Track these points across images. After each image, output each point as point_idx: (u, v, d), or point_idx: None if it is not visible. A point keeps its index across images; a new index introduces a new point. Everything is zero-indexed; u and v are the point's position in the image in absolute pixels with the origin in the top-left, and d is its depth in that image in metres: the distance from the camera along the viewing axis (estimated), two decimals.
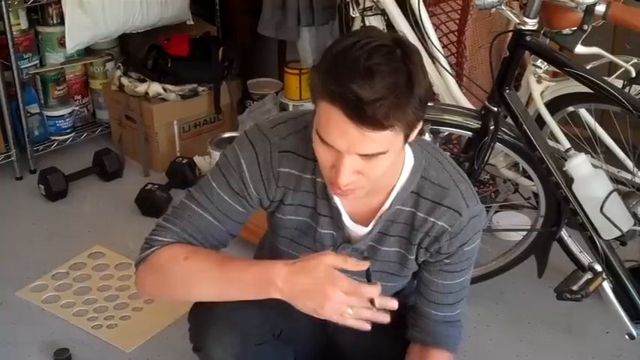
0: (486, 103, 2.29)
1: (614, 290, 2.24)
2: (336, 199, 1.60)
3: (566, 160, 2.23)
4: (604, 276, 2.21)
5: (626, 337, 2.29)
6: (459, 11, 2.80)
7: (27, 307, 2.63)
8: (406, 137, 1.43)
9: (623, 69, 2.23)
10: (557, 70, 2.32)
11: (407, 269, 1.69)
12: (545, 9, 2.20)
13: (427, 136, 2.27)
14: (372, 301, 1.43)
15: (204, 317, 1.68)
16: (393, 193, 1.59)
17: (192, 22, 3.64)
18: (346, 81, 1.33)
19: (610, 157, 2.46)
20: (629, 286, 2.27)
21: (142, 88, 3.36)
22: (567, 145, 2.30)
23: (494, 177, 2.74)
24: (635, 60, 2.30)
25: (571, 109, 2.47)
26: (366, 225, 1.63)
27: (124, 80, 3.40)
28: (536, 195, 2.55)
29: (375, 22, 2.69)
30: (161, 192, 3.13)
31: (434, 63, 2.60)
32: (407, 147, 1.56)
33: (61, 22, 3.32)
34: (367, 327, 1.44)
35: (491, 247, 2.61)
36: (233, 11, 3.84)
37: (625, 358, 2.43)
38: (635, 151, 2.43)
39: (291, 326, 1.75)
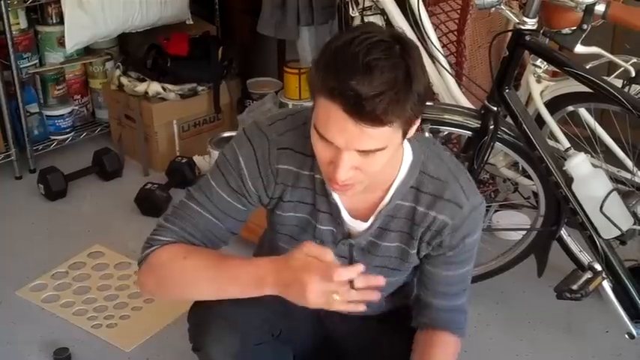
0: (486, 102, 2.29)
1: (613, 289, 2.24)
2: (335, 196, 1.60)
3: (565, 160, 2.23)
4: (604, 275, 2.21)
5: (626, 336, 2.29)
6: (458, 11, 2.80)
7: (27, 307, 2.63)
8: (404, 133, 1.44)
9: (622, 68, 2.23)
10: (557, 70, 2.32)
11: (408, 263, 1.69)
12: (544, 8, 2.20)
13: (427, 135, 2.27)
14: (352, 284, 1.42)
15: (203, 317, 1.68)
16: (392, 188, 1.59)
17: (192, 22, 3.64)
18: (345, 77, 1.34)
19: (610, 157, 2.46)
20: (628, 285, 2.27)
21: (141, 87, 3.36)
22: (567, 144, 2.30)
23: (494, 176, 2.74)
24: (634, 59, 2.30)
25: (571, 108, 2.47)
26: (366, 221, 1.63)
27: (124, 80, 3.40)
28: (535, 194, 2.55)
29: (375, 21, 2.69)
30: (161, 191, 3.13)
31: (433, 62, 2.59)
32: (405, 142, 1.56)
33: (61, 22, 3.32)
34: (361, 308, 1.44)
35: (491, 246, 2.61)
36: (232, 10, 3.84)
37: (625, 357, 2.43)
38: (634, 150, 2.43)
39: (291, 326, 1.76)
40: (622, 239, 2.26)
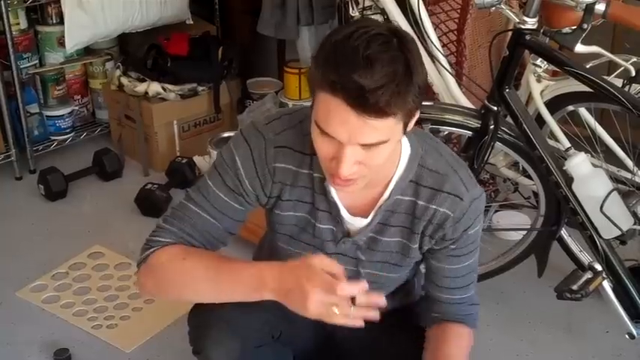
0: (486, 102, 2.29)
1: (614, 289, 2.24)
2: (334, 194, 1.60)
3: (566, 160, 2.23)
4: (604, 275, 2.20)
5: (626, 336, 2.28)
6: (458, 10, 2.79)
7: (27, 307, 2.63)
8: (405, 126, 1.44)
9: (622, 68, 2.23)
10: (557, 69, 2.32)
11: (409, 259, 1.69)
12: (544, 8, 2.19)
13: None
14: (354, 300, 1.42)
15: (203, 320, 1.68)
16: (391, 183, 1.59)
17: (192, 22, 3.64)
18: (347, 71, 1.34)
19: (610, 156, 2.46)
20: (629, 285, 2.27)
21: (141, 87, 3.35)
22: (567, 144, 2.30)
23: (494, 176, 2.74)
24: (634, 59, 2.29)
25: (571, 108, 2.47)
26: (366, 217, 1.63)
27: (124, 80, 3.40)
28: (536, 194, 2.55)
29: None
30: (161, 192, 3.13)
31: (433, 62, 2.59)
32: (403, 137, 1.56)
33: (61, 22, 3.31)
34: (360, 323, 1.44)
35: (491, 246, 2.61)
36: (232, 10, 3.83)
37: (625, 357, 2.43)
38: (634, 150, 2.43)
39: (291, 328, 1.75)
40: (622, 239, 2.26)
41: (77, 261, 2.84)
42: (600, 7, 2.11)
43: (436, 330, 1.75)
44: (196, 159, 3.36)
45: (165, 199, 3.13)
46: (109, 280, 2.75)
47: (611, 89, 2.07)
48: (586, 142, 2.45)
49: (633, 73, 2.21)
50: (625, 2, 2.37)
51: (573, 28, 2.12)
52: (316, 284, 1.42)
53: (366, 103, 1.34)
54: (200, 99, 3.47)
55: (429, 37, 2.56)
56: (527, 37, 2.17)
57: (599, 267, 2.21)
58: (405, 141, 1.58)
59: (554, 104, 2.44)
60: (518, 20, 2.17)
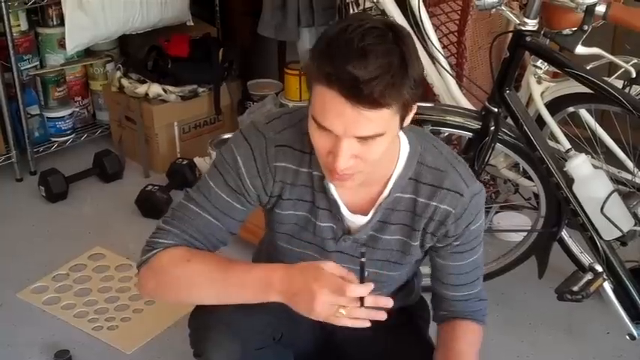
0: (486, 103, 2.29)
1: (614, 291, 2.24)
2: (333, 191, 1.60)
3: (566, 161, 2.23)
4: (605, 276, 2.20)
5: (627, 337, 2.28)
6: (459, 12, 2.80)
7: (27, 309, 2.63)
8: (402, 119, 1.44)
9: (623, 69, 2.23)
10: (558, 71, 2.32)
11: (409, 256, 1.69)
12: (545, 9, 2.19)
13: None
14: (363, 301, 1.42)
15: (204, 322, 1.68)
16: (390, 181, 1.59)
17: (192, 23, 3.65)
18: (341, 62, 1.34)
19: (610, 158, 2.46)
20: (629, 286, 2.27)
21: (142, 89, 3.36)
22: (567, 145, 2.30)
23: (495, 177, 2.74)
24: (635, 60, 2.30)
25: (571, 109, 2.47)
26: (366, 215, 1.63)
27: (124, 81, 3.40)
28: (536, 195, 2.55)
29: None
30: (161, 193, 3.13)
31: (434, 63, 2.60)
32: (402, 135, 1.57)
33: (61, 24, 3.32)
34: (366, 324, 1.44)
35: (492, 247, 2.61)
36: (233, 12, 3.84)
37: (626, 358, 2.43)
38: (635, 151, 2.43)
39: (292, 329, 1.75)
40: (623, 240, 2.26)
41: (78, 262, 2.84)
42: (600, 9, 2.11)
43: (446, 327, 1.76)
44: (197, 160, 3.36)
45: (165, 200, 3.13)
46: (110, 282, 2.75)
47: (612, 90, 2.07)
48: (586, 143, 2.45)
49: (634, 75, 2.21)
50: (625, 4, 2.37)
51: (574, 29, 2.12)
52: (324, 285, 1.42)
53: (360, 94, 1.34)
54: (200, 100, 3.47)
55: (429, 38, 2.56)
56: (528, 39, 2.17)
57: (599, 268, 2.21)
58: (403, 139, 1.59)
59: (554, 105, 2.44)
60: (518, 22, 2.17)
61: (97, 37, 3.38)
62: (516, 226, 2.85)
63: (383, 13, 2.66)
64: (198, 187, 1.64)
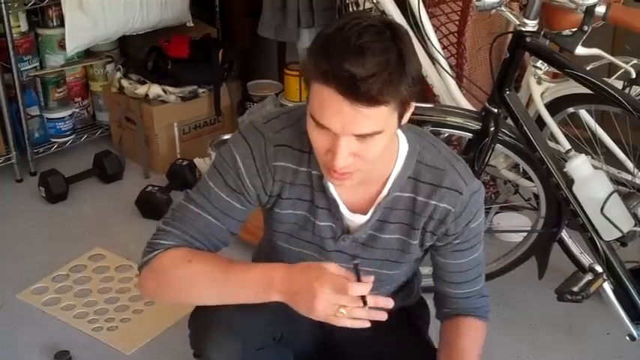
0: (486, 104, 2.29)
1: (614, 291, 2.24)
2: (332, 190, 1.60)
3: (566, 161, 2.23)
4: (605, 277, 2.20)
5: (627, 338, 2.28)
6: (458, 12, 2.80)
7: (27, 310, 2.63)
8: (400, 117, 1.44)
9: (623, 70, 2.23)
10: (558, 72, 2.32)
11: (409, 255, 1.69)
12: (545, 10, 2.20)
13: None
14: (365, 300, 1.42)
15: (204, 323, 1.68)
16: (389, 180, 1.59)
17: (192, 24, 3.64)
18: (338, 60, 1.34)
19: (610, 158, 2.46)
20: (629, 287, 2.27)
21: (142, 89, 3.36)
22: (567, 146, 2.30)
23: (495, 178, 2.75)
24: (635, 61, 2.30)
25: (571, 110, 2.47)
26: (365, 214, 1.63)
27: (124, 82, 3.40)
28: (536, 196, 2.55)
29: None
30: (161, 194, 3.13)
31: (434, 64, 2.60)
32: (400, 134, 1.57)
33: (61, 24, 3.31)
34: (366, 324, 1.44)
35: (492, 248, 2.61)
36: (233, 13, 3.84)
37: (626, 359, 2.44)
38: (635, 152, 2.43)
39: (292, 329, 1.75)
40: (623, 241, 2.25)
41: (78, 263, 2.84)
42: (600, 10, 2.11)
43: (449, 325, 1.77)
44: (197, 161, 3.36)
45: (165, 201, 3.12)
46: (110, 283, 2.75)
47: (612, 91, 2.07)
48: (586, 144, 2.45)
49: (634, 75, 2.21)
50: (625, 4, 2.37)
51: (574, 30, 2.12)
52: (326, 284, 1.42)
53: (357, 92, 1.34)
54: (200, 101, 3.47)
55: (429, 39, 2.56)
56: (528, 40, 2.17)
57: (599, 269, 2.21)
58: (402, 138, 1.59)
59: (554, 106, 2.44)
60: (518, 22, 2.17)
61: (97, 38, 3.37)
62: (516, 226, 2.85)
63: (383, 13, 2.66)
64: (198, 187, 1.64)
